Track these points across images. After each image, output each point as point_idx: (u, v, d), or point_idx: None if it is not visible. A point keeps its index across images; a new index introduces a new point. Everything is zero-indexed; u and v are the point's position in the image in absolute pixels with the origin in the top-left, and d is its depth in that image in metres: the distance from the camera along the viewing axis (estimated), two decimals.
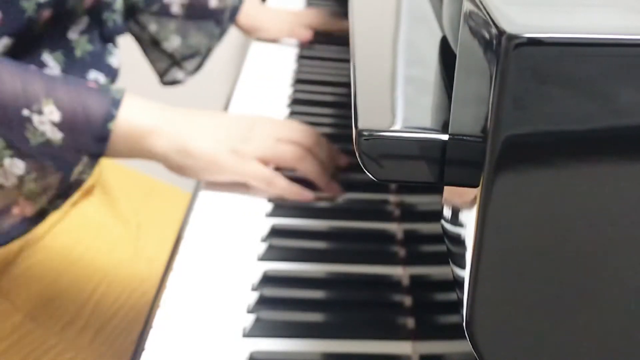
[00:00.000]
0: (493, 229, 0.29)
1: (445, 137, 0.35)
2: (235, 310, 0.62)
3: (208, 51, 1.14)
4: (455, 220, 0.34)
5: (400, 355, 0.58)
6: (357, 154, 0.36)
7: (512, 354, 0.31)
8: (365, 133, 0.36)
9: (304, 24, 1.18)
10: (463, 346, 0.44)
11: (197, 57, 1.13)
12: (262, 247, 0.70)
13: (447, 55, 0.44)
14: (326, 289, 0.65)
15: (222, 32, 1.15)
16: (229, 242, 0.71)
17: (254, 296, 0.63)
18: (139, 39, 1.11)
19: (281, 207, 0.76)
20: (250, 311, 0.62)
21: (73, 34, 0.87)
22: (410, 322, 0.61)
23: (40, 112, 0.69)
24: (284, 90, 1.03)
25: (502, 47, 0.27)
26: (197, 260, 0.68)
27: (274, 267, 0.67)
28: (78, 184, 0.73)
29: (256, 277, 0.66)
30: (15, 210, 0.73)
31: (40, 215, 0.74)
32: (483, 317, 0.31)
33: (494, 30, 0.27)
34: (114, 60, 0.97)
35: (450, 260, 0.35)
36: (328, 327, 0.61)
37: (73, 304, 0.85)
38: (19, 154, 0.70)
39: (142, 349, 0.57)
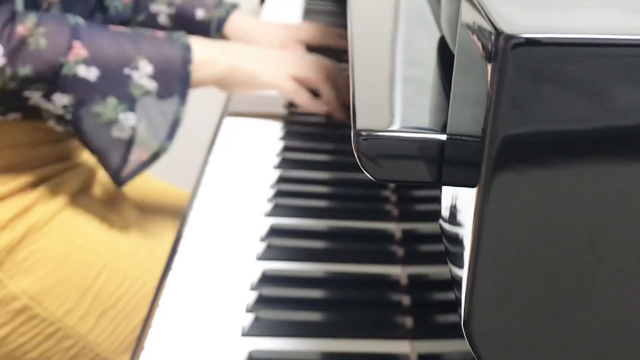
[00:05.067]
0: (491, 228, 0.29)
1: (443, 137, 0.35)
2: (234, 310, 0.62)
3: None
4: (453, 219, 0.34)
5: (399, 354, 0.59)
6: (355, 154, 0.36)
7: (510, 353, 0.31)
8: (363, 133, 0.36)
9: (297, 39, 1.11)
10: (461, 345, 0.44)
11: None
12: (261, 246, 0.70)
13: (445, 56, 0.44)
14: (325, 288, 0.65)
15: None
16: (228, 241, 0.71)
17: (252, 295, 0.63)
18: None
19: (280, 207, 0.76)
20: (249, 310, 0.62)
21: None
22: (408, 322, 0.61)
23: (137, 68, 0.83)
24: None
25: (499, 47, 0.27)
26: (197, 260, 0.68)
27: (272, 266, 0.67)
28: (176, 123, 0.86)
29: (255, 277, 0.66)
30: (133, 158, 0.84)
31: (154, 158, 0.85)
32: (481, 317, 0.31)
33: (491, 31, 0.27)
34: None
35: (448, 259, 0.35)
36: (327, 326, 0.61)
37: (75, 291, 0.85)
38: (129, 107, 0.82)
39: (142, 348, 0.57)
